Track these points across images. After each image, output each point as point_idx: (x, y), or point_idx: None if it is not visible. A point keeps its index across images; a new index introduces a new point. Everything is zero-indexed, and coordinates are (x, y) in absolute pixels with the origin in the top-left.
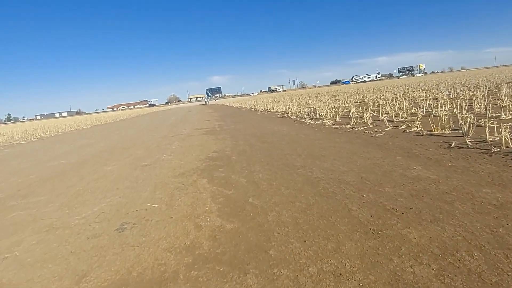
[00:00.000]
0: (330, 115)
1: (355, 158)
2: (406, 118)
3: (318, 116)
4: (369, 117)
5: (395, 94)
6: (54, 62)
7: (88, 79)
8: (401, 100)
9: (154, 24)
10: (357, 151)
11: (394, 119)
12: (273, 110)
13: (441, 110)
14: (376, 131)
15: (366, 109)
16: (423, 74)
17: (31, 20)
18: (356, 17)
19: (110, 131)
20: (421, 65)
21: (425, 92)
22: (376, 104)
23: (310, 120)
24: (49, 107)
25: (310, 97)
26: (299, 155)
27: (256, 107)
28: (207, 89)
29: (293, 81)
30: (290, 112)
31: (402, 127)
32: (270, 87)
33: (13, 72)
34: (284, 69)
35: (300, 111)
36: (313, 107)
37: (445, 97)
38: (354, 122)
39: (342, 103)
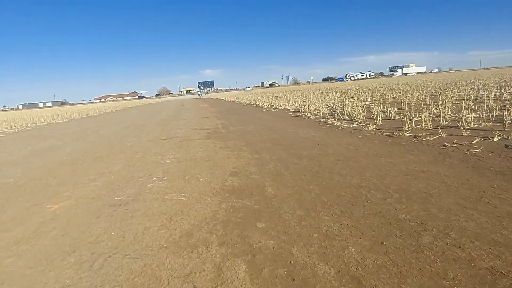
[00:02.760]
0: (362, 116)
1: None
2: (479, 124)
3: (347, 117)
4: (429, 121)
5: (419, 92)
6: (40, 50)
7: (75, 68)
8: (444, 100)
9: (146, 15)
10: (495, 192)
11: (466, 125)
12: (280, 107)
13: None
14: (460, 144)
15: (407, 110)
16: (415, 74)
17: (17, 7)
18: (347, 16)
19: (87, 128)
20: (411, 64)
21: (452, 92)
22: (411, 105)
23: (338, 122)
24: (34, 96)
25: (314, 93)
26: (389, 194)
27: (257, 103)
28: (199, 83)
29: (287, 76)
30: (305, 110)
31: (496, 139)
32: (263, 82)
33: None
34: (275, 65)
35: (318, 109)
36: (327, 104)
37: (488, 97)
38: (408, 127)
39: (363, 102)
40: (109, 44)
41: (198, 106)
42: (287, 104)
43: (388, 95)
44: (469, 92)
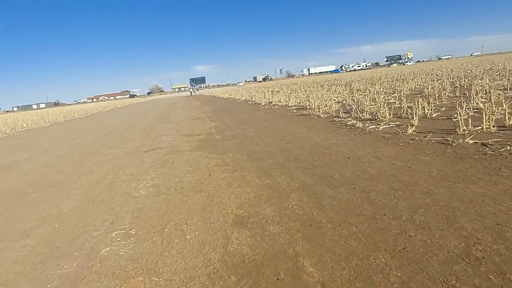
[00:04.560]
0: (389, 114)
1: None
2: None
3: (368, 116)
4: (491, 121)
5: (438, 82)
6: (33, 51)
7: (68, 69)
8: (487, 91)
9: (137, 12)
10: None
11: None
12: (280, 104)
13: None
14: None
15: (446, 105)
16: (413, 63)
17: (7, 7)
18: (340, 5)
19: (64, 135)
20: (409, 53)
21: (482, 80)
22: (442, 98)
23: (360, 123)
24: (29, 98)
25: (313, 86)
26: None
27: (253, 99)
28: (190, 79)
29: (280, 70)
30: (311, 107)
31: None
32: (256, 77)
33: None
34: (268, 58)
35: (327, 106)
36: (335, 99)
37: None
38: (464, 129)
39: (377, 95)
40: (101, 44)
41: (190, 105)
42: (287, 99)
43: (402, 87)
44: (502, 79)
